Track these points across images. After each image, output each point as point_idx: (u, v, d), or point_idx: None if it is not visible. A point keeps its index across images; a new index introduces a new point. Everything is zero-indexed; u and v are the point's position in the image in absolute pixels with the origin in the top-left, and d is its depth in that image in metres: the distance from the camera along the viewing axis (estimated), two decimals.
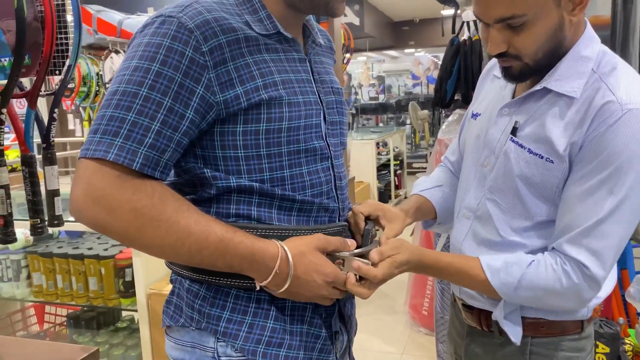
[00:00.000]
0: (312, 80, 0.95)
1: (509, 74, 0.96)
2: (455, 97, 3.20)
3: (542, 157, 0.94)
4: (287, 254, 0.83)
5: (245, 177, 0.87)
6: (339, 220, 0.99)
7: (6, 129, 1.21)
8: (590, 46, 0.95)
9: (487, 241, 1.03)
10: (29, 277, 2.28)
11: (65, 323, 2.55)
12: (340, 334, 1.01)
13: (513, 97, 1.03)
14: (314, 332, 0.95)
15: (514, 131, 0.98)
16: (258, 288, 0.84)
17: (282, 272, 0.83)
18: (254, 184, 0.88)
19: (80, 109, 3.49)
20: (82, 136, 3.58)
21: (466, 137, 1.18)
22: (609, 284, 0.99)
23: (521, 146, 0.96)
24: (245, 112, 0.84)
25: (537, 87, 0.95)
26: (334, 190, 0.97)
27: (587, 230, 0.89)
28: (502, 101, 1.05)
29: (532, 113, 0.97)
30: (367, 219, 1.03)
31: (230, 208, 0.89)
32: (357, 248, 0.94)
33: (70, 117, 3.93)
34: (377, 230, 1.04)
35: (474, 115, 1.13)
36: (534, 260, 0.94)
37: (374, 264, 0.91)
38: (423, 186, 1.25)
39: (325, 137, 0.96)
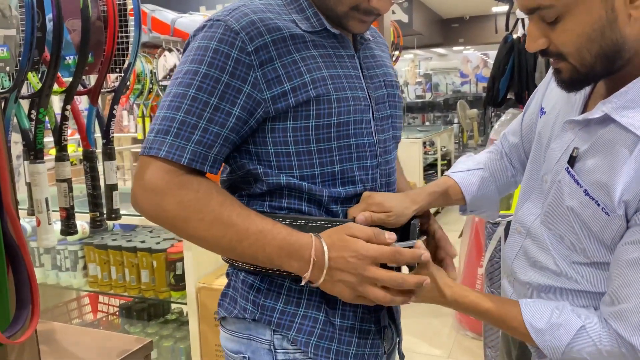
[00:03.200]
0: (361, 77, 0.96)
1: (559, 78, 0.84)
2: (508, 96, 3.11)
3: (598, 205, 0.81)
4: (320, 241, 0.84)
5: (296, 173, 0.90)
6: None
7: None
8: None
9: (541, 266, 0.93)
10: (85, 267, 2.37)
11: (117, 313, 2.64)
12: (389, 329, 1.01)
13: (584, 110, 0.90)
14: (364, 328, 0.95)
15: (571, 160, 0.86)
16: (303, 283, 0.84)
17: (319, 260, 0.83)
18: (303, 183, 0.90)
19: (135, 105, 3.59)
20: (136, 132, 3.69)
21: (531, 126, 1.07)
22: None
23: (577, 183, 0.84)
24: (294, 110, 0.87)
25: (598, 113, 0.81)
26: (381, 187, 0.98)
27: (636, 309, 0.78)
28: (570, 109, 0.92)
29: (594, 142, 0.83)
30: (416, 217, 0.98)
31: (282, 202, 0.91)
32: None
33: (125, 113, 4.05)
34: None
35: (541, 111, 1.02)
36: (584, 326, 0.83)
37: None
38: (459, 167, 1.13)
39: (375, 134, 0.96)
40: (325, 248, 0.83)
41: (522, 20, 2.93)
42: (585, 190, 0.83)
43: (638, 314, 0.78)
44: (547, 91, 1.03)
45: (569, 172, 0.86)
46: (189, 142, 0.84)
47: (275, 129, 0.88)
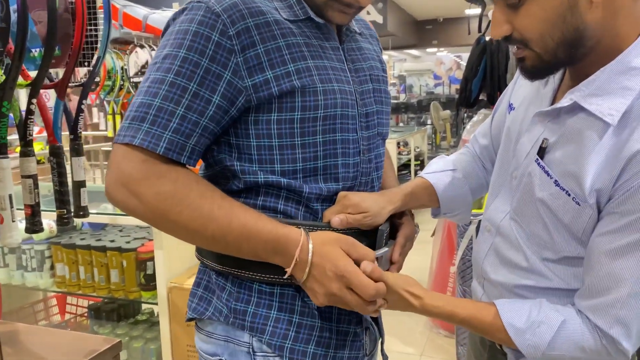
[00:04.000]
0: (347, 69, 0.92)
1: (523, 67, 0.83)
2: (480, 97, 3.15)
3: (569, 195, 0.81)
4: (308, 240, 0.81)
5: (277, 168, 0.86)
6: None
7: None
8: None
9: (512, 263, 0.93)
10: (52, 267, 2.30)
11: (86, 314, 2.58)
12: (372, 330, 0.99)
13: (552, 102, 0.89)
14: (343, 329, 0.93)
15: (541, 151, 0.86)
16: (287, 276, 0.82)
17: (302, 261, 0.81)
18: (282, 179, 0.86)
19: (105, 102, 3.52)
20: (106, 129, 3.62)
21: (500, 127, 1.07)
22: None
23: (548, 174, 0.84)
24: (279, 100, 0.83)
25: (567, 101, 0.81)
26: (362, 186, 0.94)
27: (620, 303, 0.78)
28: (539, 102, 0.91)
29: (564, 132, 0.83)
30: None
31: (257, 199, 0.88)
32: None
33: (94, 110, 3.97)
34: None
35: (510, 107, 1.01)
36: (565, 321, 0.82)
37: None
38: (432, 168, 1.13)
39: (359, 130, 0.92)
40: (310, 251, 0.80)
41: None
42: (556, 180, 0.82)
43: (617, 306, 0.78)
44: (516, 87, 1.04)
45: (538, 164, 0.86)
46: (166, 130, 0.79)
47: (259, 120, 0.84)
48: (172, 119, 0.79)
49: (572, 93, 0.81)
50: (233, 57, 0.80)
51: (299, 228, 0.83)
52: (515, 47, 0.82)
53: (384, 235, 0.92)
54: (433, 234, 3.22)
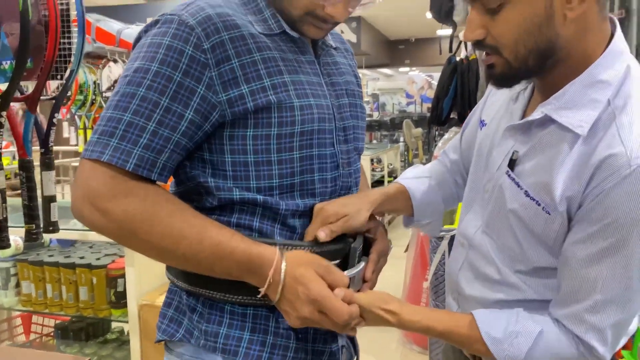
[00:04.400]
0: (323, 83, 0.92)
1: (492, 75, 0.84)
2: (452, 116, 3.21)
3: (539, 205, 0.82)
4: (282, 261, 0.79)
5: (253, 184, 0.85)
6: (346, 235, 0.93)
7: None
8: (612, 67, 0.79)
9: (485, 277, 0.93)
10: (17, 285, 2.23)
11: (52, 334, 2.50)
12: (347, 349, 0.98)
13: (523, 117, 0.90)
14: (318, 349, 0.91)
15: (511, 163, 0.87)
16: (260, 295, 0.81)
17: (275, 282, 0.79)
18: (258, 196, 0.85)
19: (76, 117, 3.47)
20: (77, 144, 3.55)
21: (470, 143, 1.08)
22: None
23: (518, 185, 0.85)
24: (254, 115, 0.82)
25: (538, 114, 0.83)
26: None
27: (595, 309, 0.79)
28: (509, 117, 0.93)
29: (534, 144, 0.85)
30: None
31: (232, 217, 0.86)
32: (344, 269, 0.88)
33: (65, 125, 3.90)
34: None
35: (481, 123, 1.03)
36: (542, 330, 0.83)
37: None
38: (408, 174, 1.14)
39: (336, 144, 0.92)
40: (283, 272, 0.79)
41: (465, 43, 3.05)
42: (526, 191, 0.84)
43: (592, 312, 0.79)
44: (487, 104, 1.06)
45: (509, 176, 0.87)
46: (135, 145, 0.77)
47: (235, 136, 0.82)
48: (143, 134, 0.77)
49: (543, 106, 0.83)
50: (207, 71, 0.79)
51: (275, 247, 0.81)
52: (484, 54, 0.83)
53: (357, 252, 0.91)
54: (406, 250, 3.24)
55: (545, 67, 0.81)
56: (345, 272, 0.87)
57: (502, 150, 0.92)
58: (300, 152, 0.86)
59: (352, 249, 0.90)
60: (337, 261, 0.89)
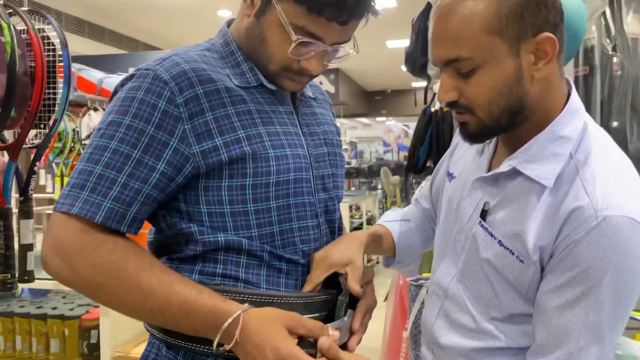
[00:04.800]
0: (300, 134, 0.93)
1: (465, 131, 0.87)
2: (428, 164, 3.29)
3: (513, 254, 0.85)
4: (240, 319, 0.77)
5: (232, 234, 0.84)
6: (329, 284, 0.92)
7: None
8: (571, 123, 0.85)
9: (461, 326, 0.94)
10: None
11: None
12: None
13: (489, 169, 0.94)
14: None
15: (483, 214, 0.90)
16: (226, 351, 0.79)
17: (242, 340, 0.78)
18: (243, 240, 0.85)
19: (54, 164, 3.44)
20: (53, 192, 3.51)
21: (439, 192, 1.12)
22: None
23: (491, 235, 0.88)
24: (229, 166, 0.82)
25: (506, 167, 0.87)
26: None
27: (570, 357, 0.80)
28: (477, 169, 0.97)
29: (504, 195, 0.88)
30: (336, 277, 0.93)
31: (217, 267, 0.85)
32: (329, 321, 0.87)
33: (42, 172, 3.86)
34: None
35: (450, 175, 1.06)
36: None
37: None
38: (388, 217, 1.17)
39: (315, 193, 0.93)
40: (240, 327, 0.77)
41: None
42: (500, 241, 0.87)
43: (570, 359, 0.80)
44: (455, 158, 1.10)
45: (482, 226, 0.90)
46: (105, 198, 0.77)
47: (209, 187, 0.83)
48: (113, 186, 0.78)
49: (511, 160, 0.87)
50: (180, 124, 0.80)
51: (244, 303, 0.80)
52: (455, 112, 0.87)
53: (343, 305, 0.90)
54: (386, 299, 3.23)
55: (515, 124, 0.85)
56: (330, 324, 0.86)
57: (471, 201, 0.95)
58: (277, 202, 0.86)
59: (339, 301, 0.89)
60: (324, 313, 0.89)
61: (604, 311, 0.79)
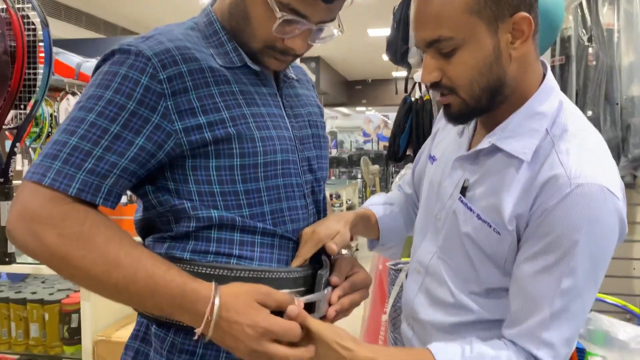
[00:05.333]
0: (285, 116, 0.93)
1: (449, 113, 0.90)
2: (407, 153, 3.33)
3: (490, 226, 0.88)
4: (215, 299, 0.76)
5: (224, 212, 0.85)
6: (317, 260, 0.94)
7: None
8: (547, 100, 0.88)
9: (440, 301, 0.97)
10: None
11: None
12: None
13: (469, 148, 0.98)
14: None
15: (463, 190, 0.93)
16: (196, 337, 0.77)
17: (211, 319, 0.76)
18: (236, 217, 0.85)
19: (30, 149, 3.39)
20: None
21: (422, 177, 1.15)
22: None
23: (470, 209, 0.91)
24: (215, 146, 0.82)
25: (486, 144, 0.90)
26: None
27: (545, 324, 0.83)
28: (457, 150, 0.99)
29: (483, 172, 0.92)
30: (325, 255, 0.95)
31: (210, 246, 0.85)
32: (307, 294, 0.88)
33: (19, 157, 3.80)
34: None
35: (431, 158, 1.09)
36: (497, 355, 0.85)
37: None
38: (374, 201, 1.20)
39: (302, 174, 0.94)
40: (216, 309, 0.75)
41: (420, 84, 3.20)
42: (478, 214, 0.90)
43: (542, 328, 0.83)
44: (436, 141, 1.13)
45: (461, 201, 0.93)
46: (79, 170, 0.76)
47: (197, 166, 0.83)
48: (88, 159, 0.76)
49: (490, 137, 0.91)
50: (162, 100, 0.80)
51: (211, 282, 0.78)
52: (439, 94, 0.89)
53: (323, 279, 0.92)
54: None
55: (495, 103, 0.88)
56: (309, 295, 0.89)
57: (452, 180, 0.98)
58: (267, 182, 0.87)
59: (318, 275, 0.91)
60: (306, 288, 0.90)
61: (576, 278, 0.81)
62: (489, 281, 0.92)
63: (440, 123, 1.15)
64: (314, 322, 0.82)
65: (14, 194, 0.77)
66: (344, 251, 1.03)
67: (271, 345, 0.77)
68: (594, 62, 2.06)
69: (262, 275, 0.85)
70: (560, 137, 0.86)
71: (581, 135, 0.87)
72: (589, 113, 2.06)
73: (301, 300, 0.84)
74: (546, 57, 2.16)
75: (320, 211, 1.00)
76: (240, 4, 0.86)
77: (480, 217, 0.90)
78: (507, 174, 0.88)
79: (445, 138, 1.08)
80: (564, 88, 2.07)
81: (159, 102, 0.80)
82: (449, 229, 0.97)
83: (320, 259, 0.95)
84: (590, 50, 2.05)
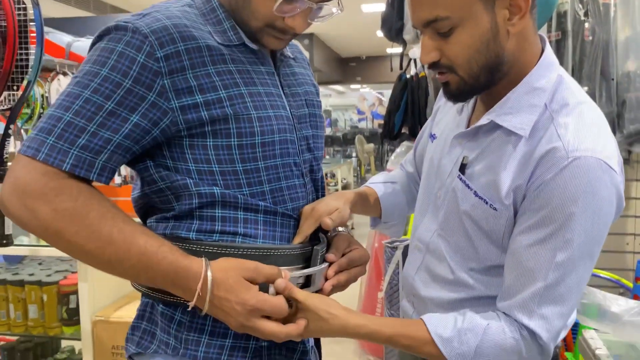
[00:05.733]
0: (282, 95, 0.93)
1: (448, 91, 0.91)
2: (403, 130, 3.32)
3: (486, 203, 0.89)
4: (208, 274, 0.79)
5: (225, 190, 0.85)
6: (316, 237, 0.96)
7: None
8: (545, 75, 0.88)
9: (440, 278, 0.98)
10: None
11: None
12: (313, 353, 1.00)
13: (468, 126, 0.98)
14: (291, 346, 0.92)
15: (462, 168, 0.94)
16: (190, 308, 0.80)
17: (204, 295, 0.79)
18: (239, 195, 0.86)
19: (22, 131, 3.35)
20: None
21: (423, 155, 1.16)
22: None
23: (468, 187, 0.92)
24: (212, 125, 0.83)
25: (485, 120, 0.91)
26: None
27: (538, 296, 0.83)
28: (456, 128, 1.00)
29: (482, 149, 0.92)
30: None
31: (215, 225, 0.86)
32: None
33: (11, 139, 3.75)
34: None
35: (432, 136, 1.10)
36: (489, 325, 0.86)
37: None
38: (376, 179, 1.21)
39: (300, 154, 0.94)
40: (209, 285, 0.78)
41: (415, 60, 3.18)
42: (475, 192, 0.91)
43: (535, 300, 0.83)
44: (436, 120, 1.13)
45: (460, 179, 0.94)
46: (73, 145, 0.77)
47: (195, 145, 0.83)
48: (82, 135, 0.77)
49: (489, 114, 0.91)
50: (159, 79, 0.80)
51: (201, 258, 0.81)
52: (437, 73, 0.90)
53: (319, 254, 0.93)
54: None
55: (493, 81, 0.88)
56: (306, 269, 0.90)
57: (451, 157, 0.98)
58: (265, 162, 0.87)
59: (315, 250, 0.93)
60: (305, 265, 0.92)
61: (572, 251, 0.82)
62: (487, 258, 0.93)
63: (440, 101, 1.15)
64: (301, 293, 0.85)
65: (12, 165, 0.77)
66: (340, 229, 1.04)
67: (260, 322, 0.80)
68: (590, 38, 2.04)
69: (268, 253, 0.86)
70: (559, 112, 0.86)
71: (580, 109, 0.86)
72: (585, 89, 2.05)
73: (287, 273, 0.86)
74: (542, 33, 2.14)
75: (318, 189, 1.01)
76: None
77: (477, 194, 0.90)
78: (505, 150, 0.88)
79: (445, 116, 1.09)
80: (560, 64, 2.06)
81: (155, 80, 0.80)
82: (448, 206, 0.97)
83: (319, 236, 0.96)
84: (586, 25, 2.03)
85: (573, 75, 2.07)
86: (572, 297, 0.85)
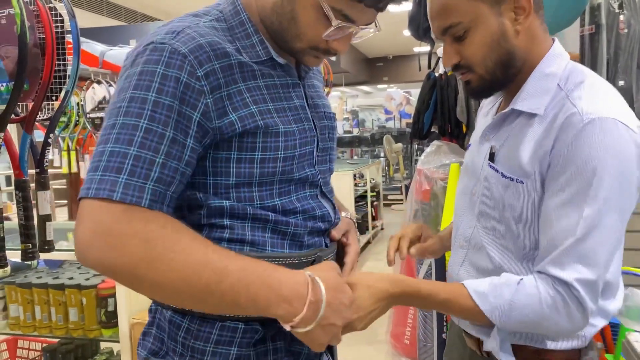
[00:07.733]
0: (307, 106, 0.93)
1: (470, 89, 1.00)
2: (432, 130, 3.29)
3: (512, 180, 0.94)
4: (315, 279, 0.77)
5: (235, 203, 0.85)
6: (330, 242, 0.97)
7: None
8: (555, 63, 0.96)
9: (482, 269, 1.02)
10: (5, 309, 2.21)
11: (39, 357, 2.47)
12: (326, 354, 1.00)
13: None
14: (297, 350, 0.92)
15: (491, 157, 1.00)
16: (288, 329, 0.77)
17: (317, 301, 0.76)
18: (247, 206, 0.85)
19: (59, 139, 3.46)
20: (61, 166, 3.54)
21: None
22: (606, 314, 0.97)
23: (496, 171, 0.98)
24: (240, 139, 0.82)
25: (507, 109, 0.98)
26: (325, 215, 0.95)
27: (568, 250, 0.87)
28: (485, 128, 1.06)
29: (507, 136, 0.99)
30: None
31: (224, 232, 0.84)
32: None
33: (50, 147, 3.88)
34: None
35: (468, 146, 1.17)
36: (522, 280, 0.90)
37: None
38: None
39: (316, 165, 0.94)
40: (323, 288, 0.77)
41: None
42: (502, 173, 0.97)
43: (567, 254, 0.87)
44: (473, 134, 1.18)
45: (490, 166, 1.00)
46: (148, 180, 0.73)
47: (218, 158, 0.82)
48: (153, 167, 0.73)
49: (510, 105, 0.99)
50: (202, 98, 0.78)
51: (300, 270, 0.81)
52: (460, 74, 0.99)
53: (322, 260, 0.94)
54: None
55: (509, 75, 0.97)
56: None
57: (481, 154, 1.05)
58: (281, 176, 0.86)
59: (318, 257, 0.93)
60: None
61: (599, 205, 0.86)
62: (526, 244, 0.96)
63: (479, 115, 1.21)
64: (351, 277, 0.92)
65: (80, 214, 0.72)
66: (343, 214, 1.07)
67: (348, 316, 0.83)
68: (626, 30, 1.99)
69: (278, 261, 0.84)
70: (573, 90, 0.92)
71: (594, 83, 0.93)
72: (621, 83, 2.01)
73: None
74: (575, 27, 2.09)
75: (328, 198, 1.00)
76: (287, 5, 0.84)
77: (504, 175, 0.96)
78: (526, 132, 0.95)
79: (479, 125, 1.16)
80: (594, 58, 2.01)
81: (199, 99, 0.78)
82: (483, 197, 1.03)
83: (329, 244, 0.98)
84: (621, 17, 1.98)
85: (608, 69, 2.02)
86: (603, 251, 0.87)
